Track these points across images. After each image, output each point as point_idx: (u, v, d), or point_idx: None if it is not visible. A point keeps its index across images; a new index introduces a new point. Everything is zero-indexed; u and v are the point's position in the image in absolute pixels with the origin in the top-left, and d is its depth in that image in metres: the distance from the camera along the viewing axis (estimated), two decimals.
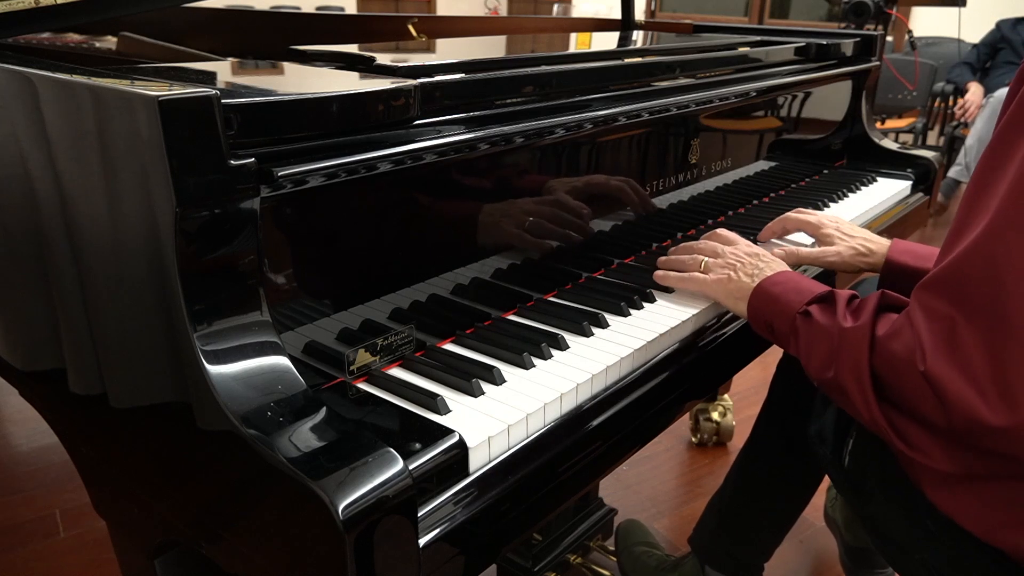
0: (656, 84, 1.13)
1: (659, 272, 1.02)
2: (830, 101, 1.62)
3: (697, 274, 0.98)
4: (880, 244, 1.11)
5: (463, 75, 0.85)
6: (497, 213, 0.90)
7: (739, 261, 0.97)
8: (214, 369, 0.60)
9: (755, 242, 1.21)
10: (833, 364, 0.77)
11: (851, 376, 0.75)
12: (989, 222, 0.65)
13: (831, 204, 1.42)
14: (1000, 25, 4.03)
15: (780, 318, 0.86)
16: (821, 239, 1.14)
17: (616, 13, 1.84)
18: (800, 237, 1.22)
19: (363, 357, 0.78)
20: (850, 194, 1.49)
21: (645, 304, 0.97)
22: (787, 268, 0.94)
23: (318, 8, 6.85)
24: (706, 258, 0.99)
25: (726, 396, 1.99)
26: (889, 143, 1.71)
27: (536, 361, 0.82)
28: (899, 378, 0.71)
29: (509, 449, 0.71)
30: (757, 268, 0.94)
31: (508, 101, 0.90)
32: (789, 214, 1.19)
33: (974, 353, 0.64)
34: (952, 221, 0.72)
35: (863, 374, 0.73)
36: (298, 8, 6.22)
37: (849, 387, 0.75)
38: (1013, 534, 0.76)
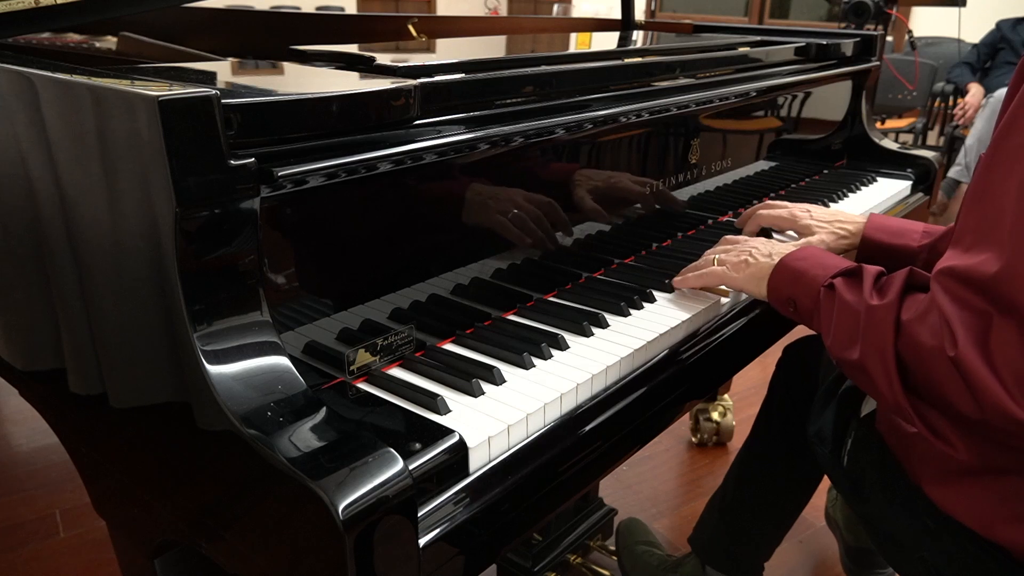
0: (656, 84, 1.13)
1: (677, 278, 1.01)
2: (830, 101, 1.62)
3: (715, 268, 0.97)
4: (856, 223, 1.10)
5: (463, 75, 0.85)
6: (497, 213, 0.90)
7: (753, 247, 0.97)
8: (214, 369, 0.60)
9: None
10: (858, 344, 0.75)
11: (876, 358, 0.73)
12: (1014, 223, 0.63)
13: (831, 204, 1.42)
14: (1000, 25, 4.03)
15: (803, 294, 0.84)
16: (801, 231, 1.14)
17: (616, 13, 1.83)
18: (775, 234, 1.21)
19: (363, 357, 0.78)
20: (850, 194, 1.50)
21: (645, 304, 0.97)
22: (812, 245, 0.92)
23: (318, 8, 6.85)
24: (718, 255, 0.99)
25: (726, 396, 1.99)
26: (889, 143, 1.71)
27: (536, 361, 0.82)
28: (925, 364, 0.69)
29: (509, 449, 0.71)
30: (772, 247, 0.94)
31: (508, 101, 0.90)
32: (759, 211, 1.18)
33: (1006, 350, 0.63)
34: (960, 214, 0.72)
35: (888, 357, 0.71)
36: (298, 8, 6.22)
37: (873, 369, 0.73)
38: (1012, 529, 0.76)
